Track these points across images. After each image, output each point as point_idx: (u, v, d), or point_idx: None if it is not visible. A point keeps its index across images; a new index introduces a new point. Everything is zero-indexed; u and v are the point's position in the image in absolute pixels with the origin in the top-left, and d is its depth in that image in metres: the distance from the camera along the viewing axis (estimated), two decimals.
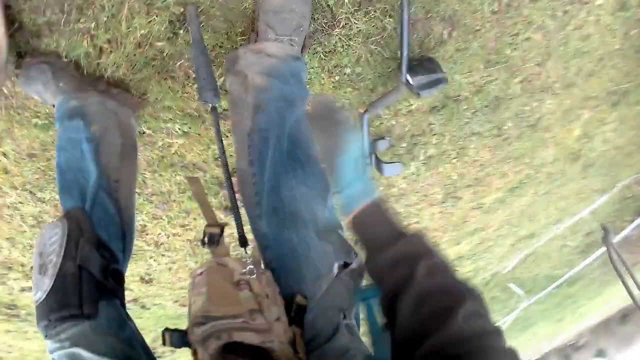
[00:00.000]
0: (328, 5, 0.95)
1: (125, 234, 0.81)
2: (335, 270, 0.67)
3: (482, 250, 2.36)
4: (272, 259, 0.71)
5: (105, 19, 0.84)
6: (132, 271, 1.55)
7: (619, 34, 1.32)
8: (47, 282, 0.65)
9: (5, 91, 0.92)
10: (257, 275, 0.62)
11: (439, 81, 1.01)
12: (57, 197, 0.89)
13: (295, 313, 0.63)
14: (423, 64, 1.02)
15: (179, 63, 0.96)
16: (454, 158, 1.55)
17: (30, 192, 1.18)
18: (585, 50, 1.33)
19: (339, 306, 0.66)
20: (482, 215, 1.98)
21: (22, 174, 1.12)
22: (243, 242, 0.71)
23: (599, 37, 1.30)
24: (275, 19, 0.83)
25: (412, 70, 0.99)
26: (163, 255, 1.52)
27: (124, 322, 0.72)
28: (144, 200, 1.29)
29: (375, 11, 0.99)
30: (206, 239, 0.79)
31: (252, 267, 0.63)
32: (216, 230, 0.80)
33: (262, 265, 0.72)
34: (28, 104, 0.96)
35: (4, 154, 1.07)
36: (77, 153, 0.80)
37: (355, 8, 0.97)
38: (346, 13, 0.97)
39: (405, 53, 0.97)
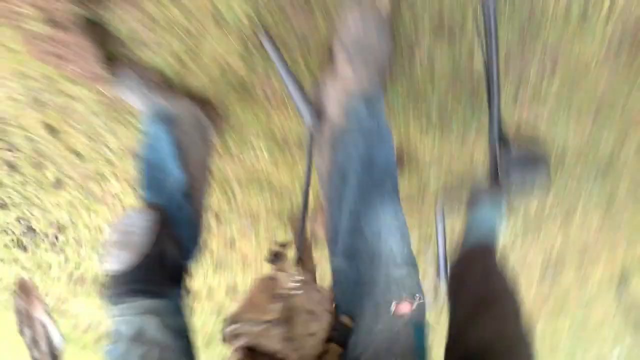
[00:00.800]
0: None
1: (196, 237, 0.90)
2: (393, 308, 0.65)
3: None
4: (337, 284, 0.73)
5: (187, 39, 1.03)
6: (220, 282, 1.74)
7: None
8: (130, 258, 0.74)
9: (105, 92, 1.20)
10: (306, 292, 0.67)
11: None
12: None
13: (338, 332, 0.65)
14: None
15: (262, 87, 1.09)
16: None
17: (133, 187, 1.47)
18: None
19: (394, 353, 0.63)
20: None
21: (125, 169, 1.41)
22: (298, 260, 0.78)
23: None
24: (354, 54, 0.78)
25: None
26: (248, 269, 1.68)
27: (182, 312, 0.81)
28: (233, 213, 1.49)
29: None
30: (272, 256, 0.85)
31: (298, 284, 0.68)
32: (281, 249, 0.85)
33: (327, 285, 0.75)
34: (126, 106, 1.21)
35: (109, 147, 1.37)
36: (162, 154, 0.88)
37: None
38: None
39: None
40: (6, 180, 1.62)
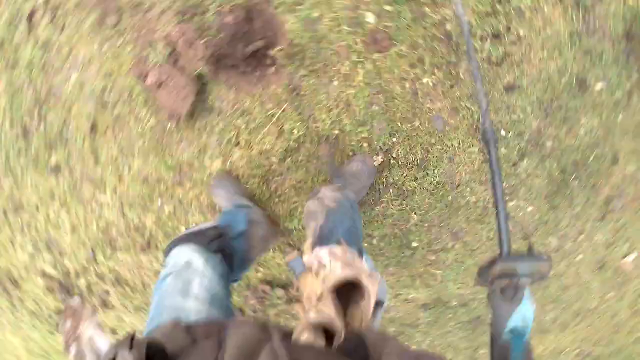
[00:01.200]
0: (378, 190, 1.45)
1: (244, 263, 1.17)
2: None
3: None
4: None
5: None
6: None
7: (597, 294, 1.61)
8: (194, 229, 1.03)
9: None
10: None
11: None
12: None
13: None
14: None
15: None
16: None
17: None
18: (564, 300, 1.63)
19: None
20: None
21: None
22: None
23: (577, 291, 1.63)
24: (347, 181, 1.34)
25: None
26: None
27: (225, 270, 0.98)
28: None
29: (407, 204, 1.47)
30: None
31: None
32: None
33: None
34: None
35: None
36: (236, 217, 1.23)
37: (395, 197, 1.46)
38: (388, 198, 1.46)
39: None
40: None
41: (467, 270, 1.52)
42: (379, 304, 0.76)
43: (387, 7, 1.27)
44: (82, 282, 1.86)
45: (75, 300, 0.98)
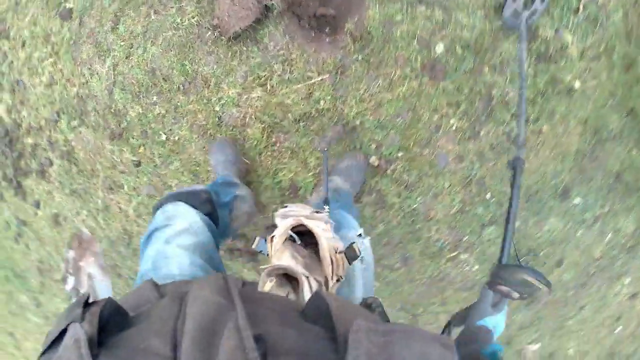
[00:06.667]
0: (362, 190, 1.52)
1: (227, 230, 1.19)
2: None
3: None
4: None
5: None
6: None
7: None
8: (186, 188, 1.06)
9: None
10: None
11: None
12: None
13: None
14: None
15: None
16: None
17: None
18: None
19: None
20: None
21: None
22: None
23: None
24: (343, 174, 1.41)
25: None
26: None
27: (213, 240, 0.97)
28: None
29: (380, 214, 1.56)
30: None
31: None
32: None
33: None
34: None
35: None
36: (225, 191, 1.25)
37: (373, 203, 1.53)
38: (366, 201, 1.53)
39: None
40: None
41: (398, 295, 1.61)
42: (352, 257, 0.78)
43: (458, 49, 1.36)
44: (28, 141, 1.71)
45: (86, 233, 0.94)
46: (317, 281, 0.68)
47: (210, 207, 1.05)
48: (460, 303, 1.64)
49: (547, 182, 1.47)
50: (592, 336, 1.70)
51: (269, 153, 1.49)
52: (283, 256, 0.71)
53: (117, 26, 1.53)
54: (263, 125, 1.46)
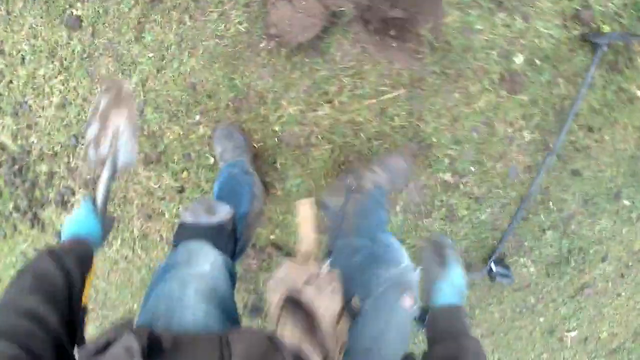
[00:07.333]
0: (433, 205, 1.48)
1: (242, 248, 1.07)
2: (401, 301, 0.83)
3: None
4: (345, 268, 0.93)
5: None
6: None
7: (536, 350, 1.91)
8: (215, 219, 0.91)
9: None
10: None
11: (508, 278, 1.53)
12: None
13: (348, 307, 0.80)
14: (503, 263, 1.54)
15: None
16: None
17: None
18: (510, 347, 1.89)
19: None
20: None
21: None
22: None
23: (522, 345, 1.91)
24: (387, 172, 1.24)
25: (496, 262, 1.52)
26: None
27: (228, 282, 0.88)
28: None
29: (449, 228, 1.53)
30: None
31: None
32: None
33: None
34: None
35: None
36: (241, 190, 1.14)
37: (443, 217, 1.50)
38: (436, 216, 1.49)
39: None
40: None
41: None
42: (352, 314, 0.77)
43: (537, 60, 1.28)
44: (42, 169, 1.46)
45: (127, 86, 0.84)
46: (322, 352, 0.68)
47: (234, 237, 0.96)
48: (517, 301, 1.71)
49: (603, 187, 1.50)
50: (623, 319, 1.86)
51: (336, 174, 1.38)
52: (285, 330, 0.69)
53: (143, 35, 1.29)
54: (331, 146, 1.34)
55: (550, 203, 1.50)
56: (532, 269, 1.63)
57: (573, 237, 1.59)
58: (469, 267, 1.56)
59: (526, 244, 1.57)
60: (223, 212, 0.93)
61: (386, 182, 1.23)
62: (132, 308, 1.75)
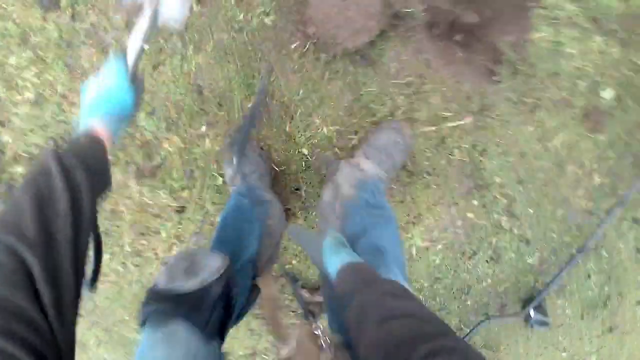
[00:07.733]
0: (479, 248, 1.29)
1: (247, 306, 0.87)
2: None
3: None
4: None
5: None
6: None
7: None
8: (192, 284, 0.69)
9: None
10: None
11: (546, 325, 1.40)
12: None
13: None
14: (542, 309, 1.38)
15: None
16: None
17: None
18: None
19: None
20: None
21: None
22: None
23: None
24: (374, 154, 0.98)
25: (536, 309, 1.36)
26: None
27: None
28: None
29: (494, 268, 1.36)
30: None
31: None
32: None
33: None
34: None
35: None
36: (249, 227, 0.92)
37: (488, 259, 1.32)
38: (480, 258, 1.31)
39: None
40: None
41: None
42: None
43: (629, 101, 1.03)
44: (17, 170, 1.20)
45: None
46: None
47: (225, 299, 0.75)
48: (545, 339, 1.59)
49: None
50: None
51: None
52: None
53: (134, 21, 0.99)
54: None
55: (604, 250, 1.33)
56: (567, 311, 1.49)
57: (617, 284, 1.44)
58: (503, 308, 1.41)
59: (568, 287, 1.42)
60: (210, 269, 0.73)
61: (377, 169, 0.97)
62: (124, 318, 1.58)
